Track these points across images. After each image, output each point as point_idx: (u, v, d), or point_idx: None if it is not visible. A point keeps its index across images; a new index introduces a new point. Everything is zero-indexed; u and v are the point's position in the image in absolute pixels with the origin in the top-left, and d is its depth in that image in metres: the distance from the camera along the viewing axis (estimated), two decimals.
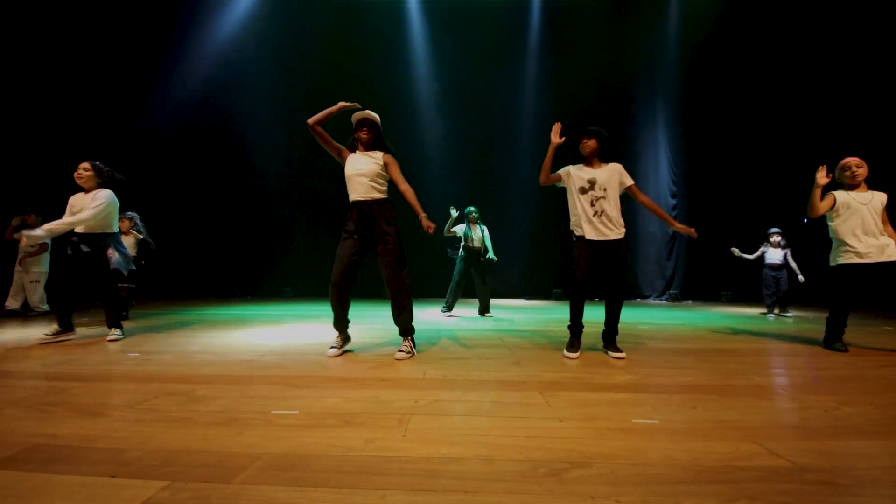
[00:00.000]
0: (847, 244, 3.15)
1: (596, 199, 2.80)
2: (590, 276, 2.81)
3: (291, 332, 3.97)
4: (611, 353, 2.84)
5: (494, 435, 1.47)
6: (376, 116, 2.86)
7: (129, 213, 5.30)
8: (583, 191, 2.84)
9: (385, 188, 2.86)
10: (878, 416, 1.69)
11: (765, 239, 6.11)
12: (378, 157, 2.84)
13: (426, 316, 5.53)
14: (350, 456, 1.29)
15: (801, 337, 3.91)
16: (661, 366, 2.58)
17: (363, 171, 2.77)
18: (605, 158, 2.93)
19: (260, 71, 9.48)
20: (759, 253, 6.06)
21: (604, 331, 2.92)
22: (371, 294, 9.48)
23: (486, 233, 5.61)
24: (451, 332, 4.08)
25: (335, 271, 2.75)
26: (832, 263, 3.27)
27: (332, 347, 2.87)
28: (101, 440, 1.40)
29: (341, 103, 2.82)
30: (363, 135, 2.83)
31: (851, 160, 3.25)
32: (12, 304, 5.41)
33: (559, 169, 2.96)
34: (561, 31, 9.47)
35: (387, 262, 2.77)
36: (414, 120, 9.66)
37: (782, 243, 5.97)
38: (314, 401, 1.83)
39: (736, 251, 6.08)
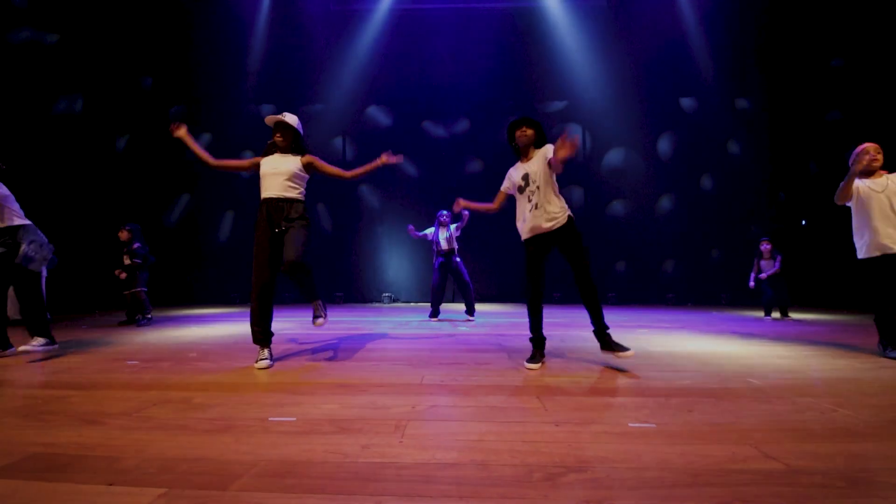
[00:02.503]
0: (865, 234, 3.00)
1: (532, 192, 2.67)
2: (543, 280, 2.72)
3: (289, 338, 3.97)
4: (617, 353, 2.51)
5: (491, 440, 1.47)
6: (291, 119, 2.79)
7: (130, 225, 5.33)
8: (521, 190, 2.72)
9: (301, 190, 2.79)
10: (874, 418, 1.70)
11: (755, 249, 6.18)
12: (296, 159, 2.79)
13: (423, 321, 5.53)
14: (346, 462, 1.29)
15: (800, 339, 3.91)
16: (658, 369, 2.58)
17: (279, 171, 2.72)
18: (539, 146, 2.76)
19: (265, 70, 9.59)
20: (756, 265, 6.11)
21: (596, 331, 2.64)
22: (351, 299, 9.49)
23: (453, 230, 5.57)
24: (449, 336, 4.08)
25: (259, 279, 2.64)
26: (859, 256, 3.10)
27: (263, 359, 2.64)
28: (99, 448, 1.40)
29: (178, 133, 2.81)
30: (278, 138, 2.78)
31: (870, 146, 3.04)
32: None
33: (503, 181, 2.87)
34: (559, 33, 9.53)
35: (288, 253, 2.60)
36: (405, 121, 9.73)
37: (773, 252, 6.04)
38: (311, 407, 1.84)
39: (752, 285, 6.14)
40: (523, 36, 9.58)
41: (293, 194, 2.74)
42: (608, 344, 2.60)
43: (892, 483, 1.17)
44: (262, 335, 2.70)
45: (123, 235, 5.26)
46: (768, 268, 5.99)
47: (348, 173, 2.89)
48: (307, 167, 2.82)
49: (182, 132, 2.85)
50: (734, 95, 9.39)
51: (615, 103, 9.45)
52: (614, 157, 9.51)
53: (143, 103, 9.04)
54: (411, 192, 9.66)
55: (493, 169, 9.50)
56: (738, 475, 1.21)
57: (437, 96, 9.70)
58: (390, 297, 9.47)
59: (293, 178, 2.74)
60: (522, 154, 2.80)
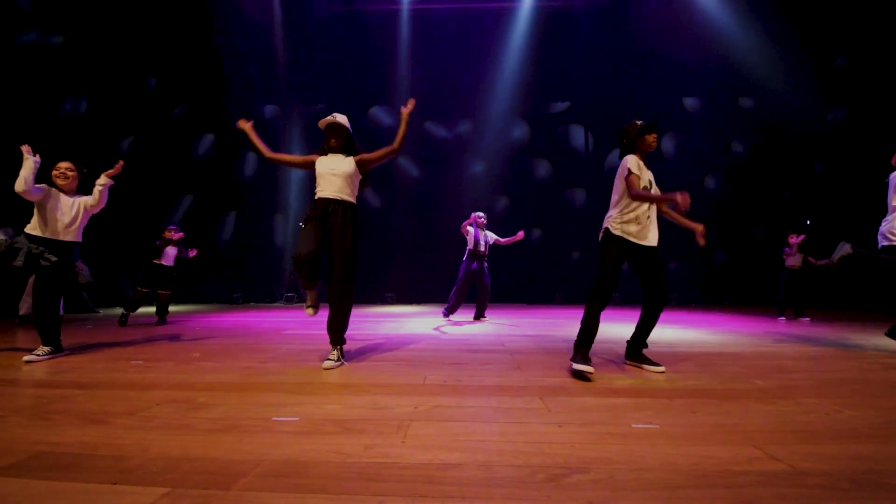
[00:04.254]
0: None
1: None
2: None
3: (292, 338, 3.98)
4: (647, 366, 2.56)
5: (493, 440, 1.47)
6: (343, 120, 2.83)
7: (174, 226, 5.39)
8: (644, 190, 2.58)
9: (355, 193, 2.83)
10: (879, 419, 1.69)
11: (784, 242, 6.06)
12: (350, 160, 2.81)
13: (427, 321, 5.53)
14: (349, 462, 1.29)
15: (806, 339, 3.89)
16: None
17: (336, 171, 2.74)
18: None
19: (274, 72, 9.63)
20: (788, 255, 5.99)
21: (635, 341, 2.67)
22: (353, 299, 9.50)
23: (490, 235, 5.65)
24: (452, 337, 4.08)
25: (301, 247, 2.59)
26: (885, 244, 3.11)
27: (328, 360, 2.67)
28: (103, 447, 1.41)
29: (242, 126, 2.91)
30: (333, 142, 2.81)
31: None
32: (24, 308, 5.14)
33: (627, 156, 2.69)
34: (562, 34, 9.52)
35: (337, 265, 2.65)
36: (414, 122, 9.74)
37: (801, 245, 5.92)
38: (314, 407, 1.84)
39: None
40: (526, 36, 9.58)
41: (348, 196, 2.76)
42: (638, 356, 2.65)
43: None
44: (309, 284, 2.69)
45: (179, 235, 5.32)
46: (795, 260, 5.86)
47: (395, 144, 2.82)
48: (360, 165, 2.81)
49: (248, 126, 2.94)
50: (738, 94, 9.35)
51: (618, 104, 9.43)
52: (617, 157, 9.50)
53: (148, 104, 9.09)
54: (413, 193, 9.67)
55: (495, 170, 9.52)
56: (743, 476, 1.20)
57: (440, 97, 9.70)
58: (392, 297, 9.48)
59: (348, 178, 2.75)
60: (642, 157, 2.69)
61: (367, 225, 9.65)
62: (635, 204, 2.55)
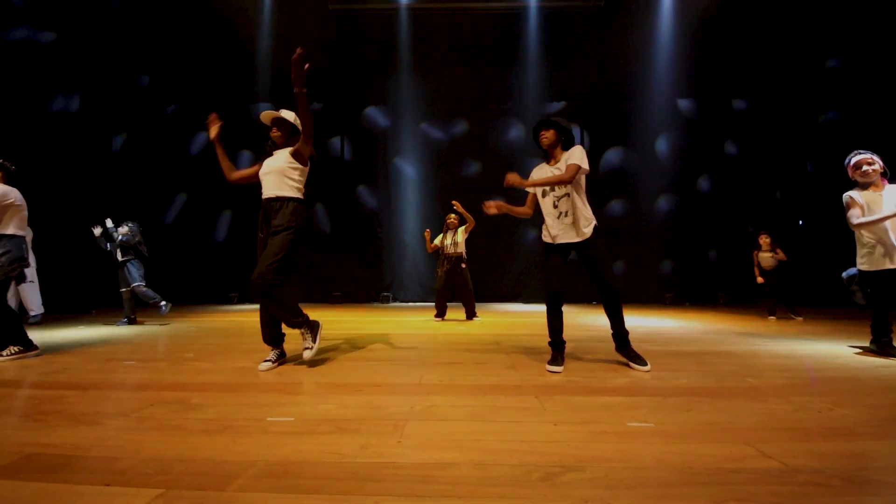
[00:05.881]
0: (867, 247, 3.07)
1: (559, 198, 2.58)
2: (564, 284, 2.63)
3: (287, 338, 3.95)
4: (633, 364, 2.57)
5: (489, 440, 1.47)
6: (284, 114, 2.74)
7: (129, 224, 5.34)
8: (544, 193, 2.64)
9: (296, 185, 2.67)
10: (871, 417, 1.70)
11: (755, 243, 6.10)
12: (285, 152, 2.69)
13: (423, 321, 5.53)
14: (344, 462, 1.29)
15: (798, 338, 3.93)
16: (656, 369, 2.58)
17: (269, 170, 2.65)
18: (567, 147, 2.67)
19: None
20: (755, 258, 6.02)
21: (614, 332, 2.68)
22: (350, 299, 9.49)
23: (461, 236, 5.50)
24: (448, 336, 4.08)
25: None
26: (859, 268, 3.18)
27: (266, 360, 2.64)
28: (96, 449, 1.39)
29: (212, 131, 2.79)
30: (274, 134, 2.73)
31: (862, 159, 3.07)
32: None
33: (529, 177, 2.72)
34: (557, 35, 9.54)
35: (264, 255, 2.52)
36: (403, 122, 9.73)
37: (773, 244, 5.94)
38: (309, 407, 1.83)
39: (762, 280, 5.94)
40: (522, 37, 9.60)
41: (286, 192, 2.63)
42: (625, 349, 2.66)
43: (889, 481, 1.17)
44: (266, 337, 2.73)
45: (125, 232, 5.31)
46: (768, 260, 5.89)
47: (306, 119, 2.61)
48: (297, 155, 2.66)
49: (216, 131, 2.79)
50: (731, 96, 9.42)
51: (613, 104, 9.47)
52: (612, 157, 9.54)
53: (140, 102, 9.01)
54: (409, 193, 9.66)
55: (492, 171, 9.52)
56: (736, 474, 1.21)
57: (436, 97, 9.70)
58: (389, 297, 9.47)
59: (285, 172, 2.63)
60: (550, 156, 2.70)
61: (365, 225, 9.69)
62: (543, 210, 2.69)
